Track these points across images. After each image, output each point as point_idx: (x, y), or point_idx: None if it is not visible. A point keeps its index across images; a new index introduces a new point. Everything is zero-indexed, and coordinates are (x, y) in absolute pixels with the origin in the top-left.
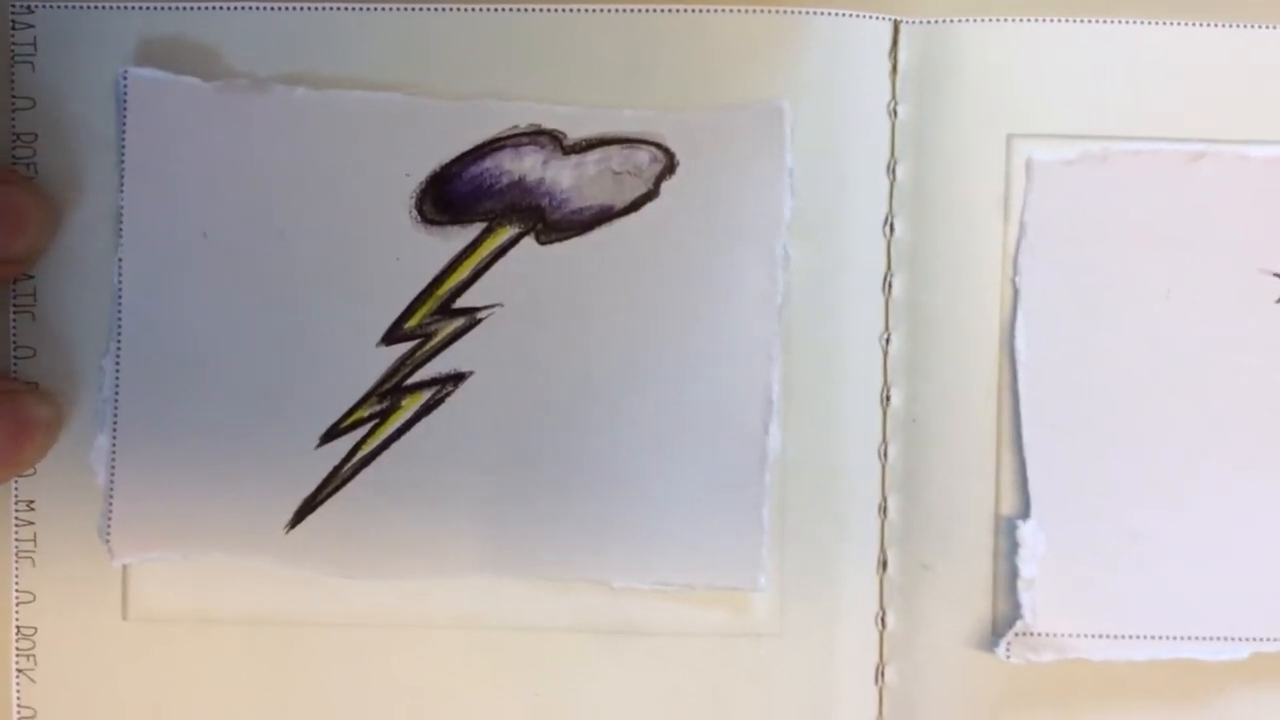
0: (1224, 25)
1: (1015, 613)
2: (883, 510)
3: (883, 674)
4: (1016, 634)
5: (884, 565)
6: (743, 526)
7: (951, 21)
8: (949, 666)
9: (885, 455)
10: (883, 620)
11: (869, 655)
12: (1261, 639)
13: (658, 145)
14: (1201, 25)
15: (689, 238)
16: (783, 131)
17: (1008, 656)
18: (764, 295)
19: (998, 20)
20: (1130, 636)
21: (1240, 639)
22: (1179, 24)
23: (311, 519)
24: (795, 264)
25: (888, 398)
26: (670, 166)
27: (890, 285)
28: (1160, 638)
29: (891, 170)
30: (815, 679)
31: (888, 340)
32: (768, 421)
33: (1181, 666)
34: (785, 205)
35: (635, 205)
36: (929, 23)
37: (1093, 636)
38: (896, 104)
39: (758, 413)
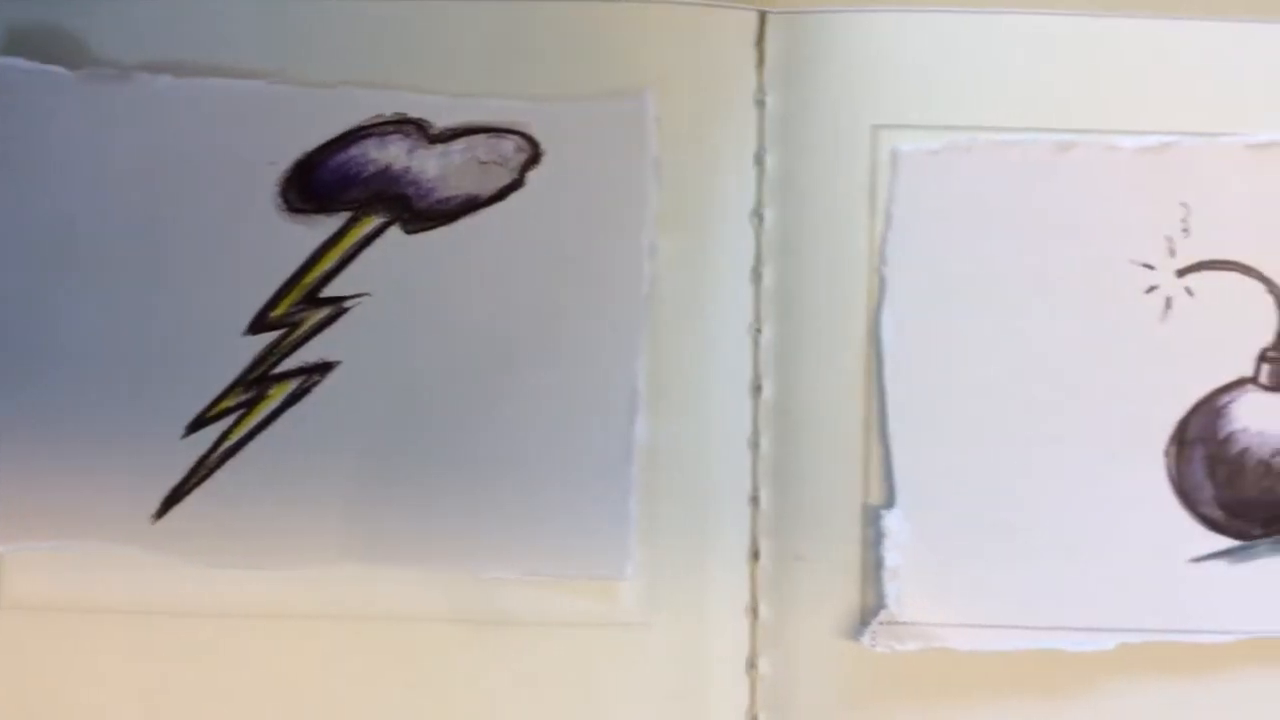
0: (1090, 15)
1: (882, 602)
2: (754, 501)
3: (755, 664)
4: (881, 623)
5: (756, 556)
6: (609, 516)
7: (818, 12)
8: (821, 656)
9: (757, 446)
10: (755, 610)
11: (741, 645)
12: (1128, 630)
13: (523, 134)
14: (1068, 15)
15: (555, 227)
16: (646, 122)
17: (873, 645)
18: (630, 285)
19: (863, 11)
20: (996, 626)
21: (1106, 630)
22: (1045, 14)
23: (178, 509)
24: (663, 254)
25: (759, 389)
26: (535, 156)
27: (760, 276)
28: (1026, 628)
29: (760, 161)
30: (686, 669)
31: (758, 331)
32: (634, 412)
33: (1049, 657)
34: (651, 196)
35: (501, 195)
36: (795, 13)
37: (958, 626)
38: (764, 95)
39: (624, 403)
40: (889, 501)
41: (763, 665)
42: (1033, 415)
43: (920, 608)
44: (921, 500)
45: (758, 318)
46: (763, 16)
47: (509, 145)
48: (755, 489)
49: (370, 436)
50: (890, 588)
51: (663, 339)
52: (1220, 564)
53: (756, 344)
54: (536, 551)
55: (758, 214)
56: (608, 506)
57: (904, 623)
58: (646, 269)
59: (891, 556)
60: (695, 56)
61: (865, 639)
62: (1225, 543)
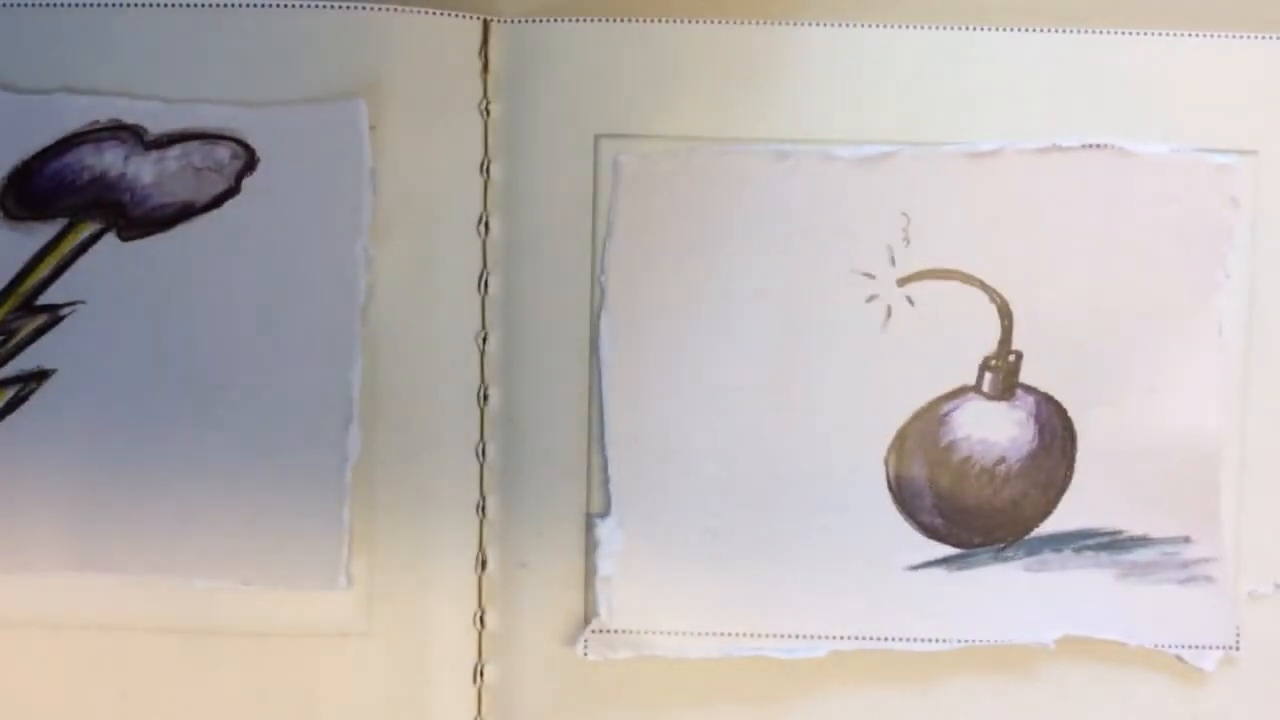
0: (808, 25)
1: (595, 611)
2: (481, 509)
3: (482, 673)
4: (594, 631)
5: (483, 564)
6: (323, 526)
7: (542, 22)
8: (546, 664)
9: (483, 455)
10: (482, 619)
11: (467, 654)
12: (841, 637)
13: (238, 141)
14: (789, 26)
15: (270, 235)
16: (360, 130)
17: (585, 653)
18: (344, 295)
19: (587, 21)
20: (707, 634)
21: (818, 637)
22: (766, 25)
23: None
24: (385, 262)
25: (485, 397)
26: (251, 163)
27: (486, 284)
28: (736, 635)
29: (485, 169)
30: (408, 678)
31: (484, 339)
32: (348, 421)
33: (765, 664)
34: (365, 204)
35: (217, 202)
36: (519, 23)
37: (670, 634)
38: (489, 103)
39: (338, 412)
40: (604, 510)
41: (489, 674)
42: (750, 424)
43: (633, 616)
44: (637, 509)
45: (484, 326)
46: (486, 25)
47: (224, 152)
48: (482, 497)
49: (88, 444)
50: (603, 596)
51: (385, 348)
52: (938, 571)
53: (483, 352)
54: (251, 561)
55: (483, 222)
56: (321, 516)
57: (616, 631)
58: (361, 278)
59: (605, 565)
60: (418, 64)
61: (578, 647)
62: (944, 550)
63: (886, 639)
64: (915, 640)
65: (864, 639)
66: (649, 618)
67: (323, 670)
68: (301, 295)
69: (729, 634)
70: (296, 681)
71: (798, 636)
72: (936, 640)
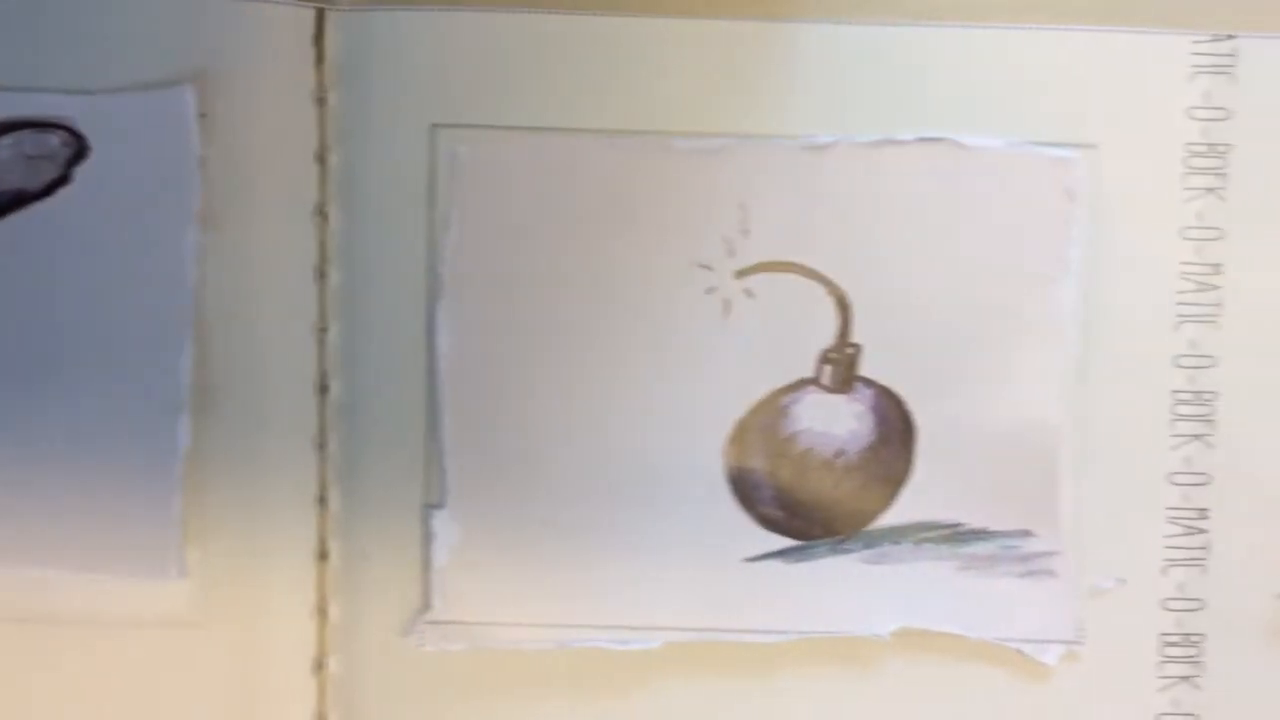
0: (647, 17)
1: (430, 602)
2: (322, 501)
3: (323, 664)
4: (428, 622)
5: (324, 556)
6: (154, 515)
7: (378, 10)
8: (388, 656)
9: (323, 446)
10: (323, 610)
11: (308, 645)
12: (675, 629)
13: (68, 129)
14: (625, 17)
15: (101, 224)
16: (188, 118)
17: (421, 645)
18: (174, 283)
19: (423, 10)
20: (544, 626)
21: (654, 629)
22: (602, 15)
23: None
24: (217, 252)
25: (325, 388)
26: (81, 151)
27: (324, 275)
28: (573, 627)
29: (322, 159)
30: (247, 669)
31: (323, 330)
32: (178, 411)
33: (601, 655)
34: (194, 193)
35: (48, 190)
36: (355, 10)
37: (505, 625)
38: (325, 92)
39: (168, 402)
40: (440, 501)
41: (332, 665)
42: (588, 417)
43: (468, 607)
44: (473, 500)
45: (323, 317)
46: (321, 13)
47: (55, 140)
48: (322, 489)
49: None
50: (437, 588)
51: (219, 337)
52: (776, 563)
53: (322, 343)
54: (84, 549)
55: (320, 212)
56: (152, 505)
57: (451, 622)
58: (190, 266)
59: (439, 557)
60: (249, 52)
61: (413, 639)
62: (783, 543)
63: (723, 631)
64: (752, 632)
65: (700, 630)
66: (485, 609)
67: (160, 660)
68: (132, 284)
69: (565, 626)
70: (133, 671)
71: (633, 628)
72: (774, 632)
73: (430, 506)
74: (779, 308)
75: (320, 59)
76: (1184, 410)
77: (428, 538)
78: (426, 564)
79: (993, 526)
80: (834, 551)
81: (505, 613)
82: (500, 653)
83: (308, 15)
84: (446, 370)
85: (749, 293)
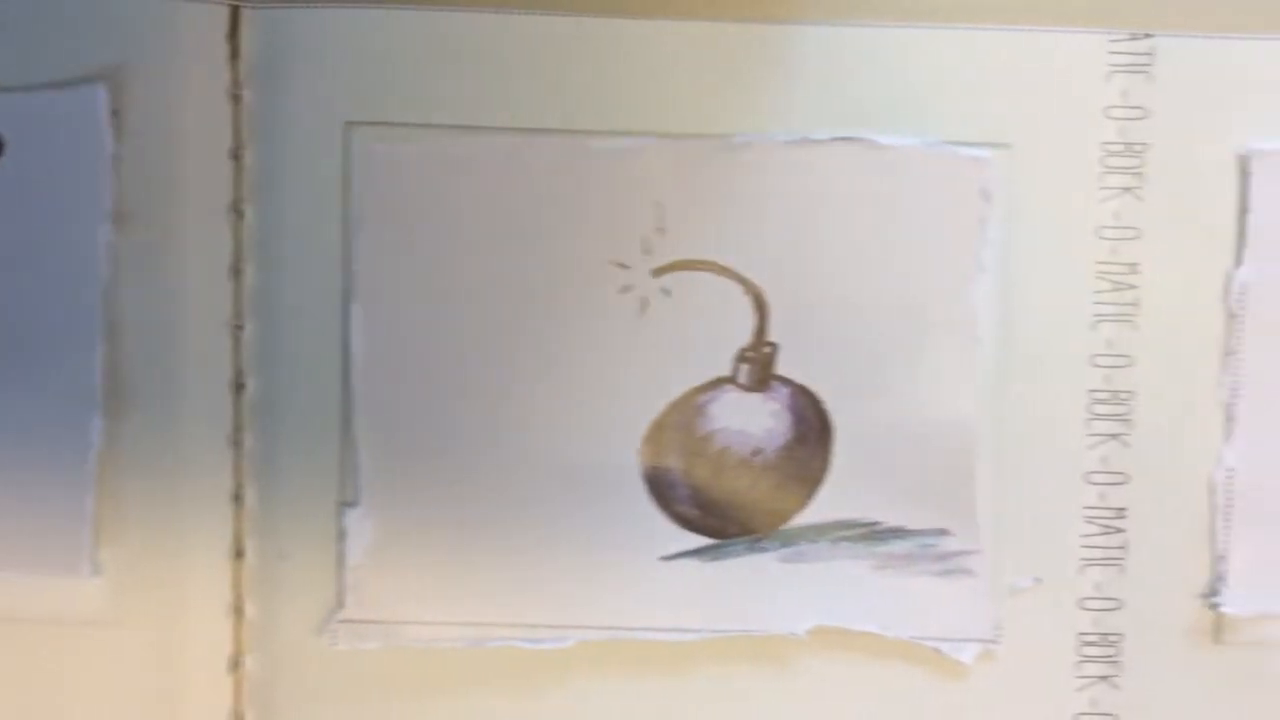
0: (561, 15)
1: (343, 600)
2: (238, 499)
3: (240, 663)
4: (342, 621)
5: (240, 554)
6: (68, 514)
7: (292, 7)
8: (304, 655)
9: (239, 444)
10: (239, 609)
11: (225, 644)
12: (589, 627)
13: None
14: (538, 15)
15: (12, 222)
16: (99, 116)
17: (334, 644)
18: (86, 281)
19: (337, 7)
20: (457, 624)
21: (567, 627)
22: (516, 13)
23: None
24: (131, 250)
25: (241, 386)
26: None
27: (240, 272)
28: (486, 625)
29: (237, 156)
30: (163, 668)
31: (239, 328)
32: (91, 409)
33: (515, 654)
34: (107, 190)
35: None
36: (269, 8)
37: (419, 624)
38: (240, 90)
39: (80, 400)
40: (355, 499)
41: (248, 664)
42: (502, 416)
43: (381, 606)
44: (387, 498)
45: (238, 315)
46: (235, 10)
47: None
48: (238, 487)
49: None
50: (350, 586)
51: (133, 336)
52: (692, 562)
53: (237, 341)
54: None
55: (236, 210)
56: (66, 504)
57: (364, 621)
58: (103, 264)
59: (353, 555)
60: (163, 50)
61: (326, 637)
62: (699, 541)
63: (638, 629)
64: (667, 631)
65: (615, 629)
66: (399, 608)
67: (75, 659)
68: (45, 281)
69: (479, 624)
70: (48, 670)
71: (547, 627)
72: (689, 631)
73: (344, 504)
74: (696, 306)
75: (235, 56)
76: (1101, 409)
77: (341, 536)
78: (341, 562)
79: (910, 525)
80: (750, 550)
81: (419, 611)
82: (416, 651)
83: (222, 12)
84: (360, 368)
85: (666, 291)
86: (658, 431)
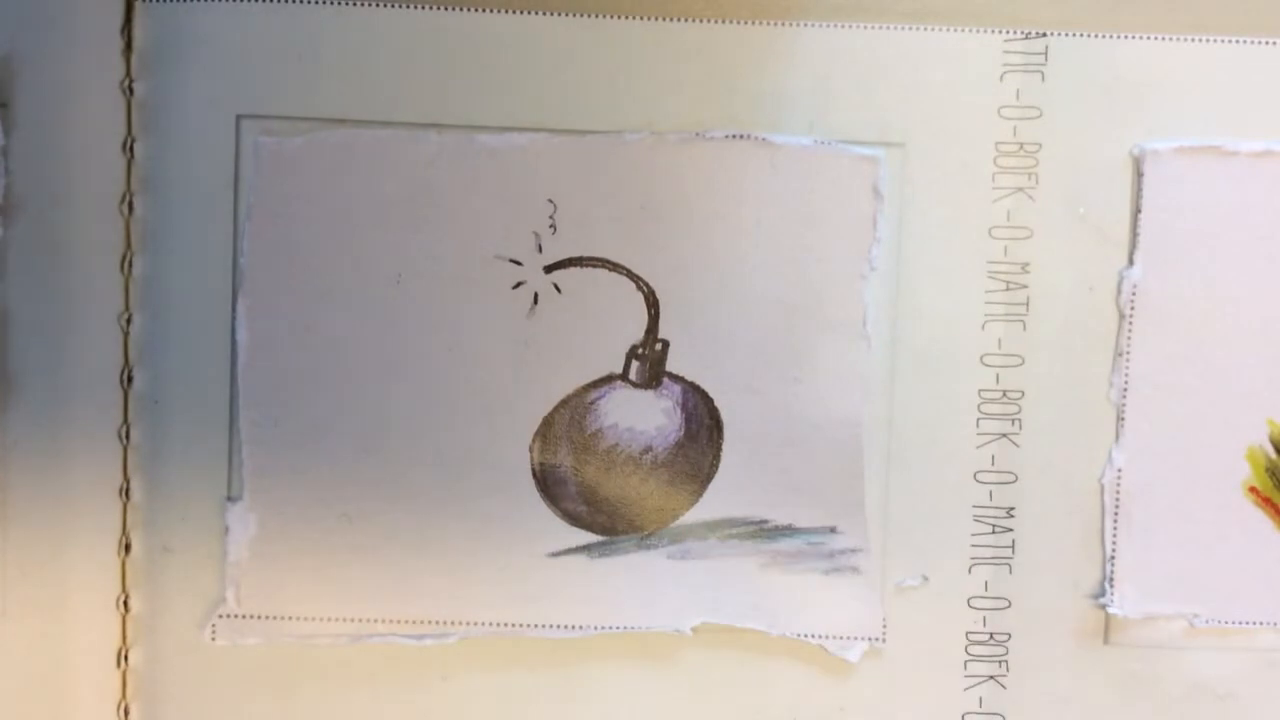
0: (455, 10)
1: (222, 596)
2: (125, 493)
3: (126, 657)
4: (222, 616)
5: (127, 548)
6: None
7: (186, 0)
8: (189, 650)
9: (127, 437)
10: (126, 603)
11: (110, 638)
12: (474, 624)
13: None
14: (435, 11)
15: None
16: None
17: (213, 639)
18: None
19: (229, 0)
20: (339, 620)
21: (452, 624)
22: (410, 8)
23: None
24: (20, 241)
25: (129, 379)
26: None
27: (130, 264)
28: (369, 621)
29: (128, 148)
30: (48, 662)
31: (128, 320)
32: None
33: (399, 651)
34: None
35: None
36: (162, 1)
37: (300, 620)
38: (132, 81)
39: None
40: (238, 494)
41: (134, 658)
42: (390, 411)
43: (262, 601)
44: (270, 493)
45: (128, 306)
46: (129, 2)
47: None
48: (125, 480)
49: None
50: (232, 581)
51: (20, 328)
52: (580, 559)
53: (127, 333)
54: None
55: (126, 202)
56: None
57: (245, 616)
58: None
59: (234, 550)
60: (54, 40)
61: (206, 633)
62: (588, 538)
63: (525, 626)
64: (554, 627)
65: (500, 626)
66: (280, 604)
67: None
68: None
69: (360, 620)
70: None
71: (430, 623)
72: (575, 627)
73: (228, 499)
74: (587, 303)
75: (128, 47)
76: (991, 409)
77: (224, 531)
78: (223, 557)
79: (798, 523)
80: (639, 547)
81: (301, 607)
82: (297, 647)
83: (116, 3)
84: (245, 362)
85: (557, 288)
86: (547, 428)
